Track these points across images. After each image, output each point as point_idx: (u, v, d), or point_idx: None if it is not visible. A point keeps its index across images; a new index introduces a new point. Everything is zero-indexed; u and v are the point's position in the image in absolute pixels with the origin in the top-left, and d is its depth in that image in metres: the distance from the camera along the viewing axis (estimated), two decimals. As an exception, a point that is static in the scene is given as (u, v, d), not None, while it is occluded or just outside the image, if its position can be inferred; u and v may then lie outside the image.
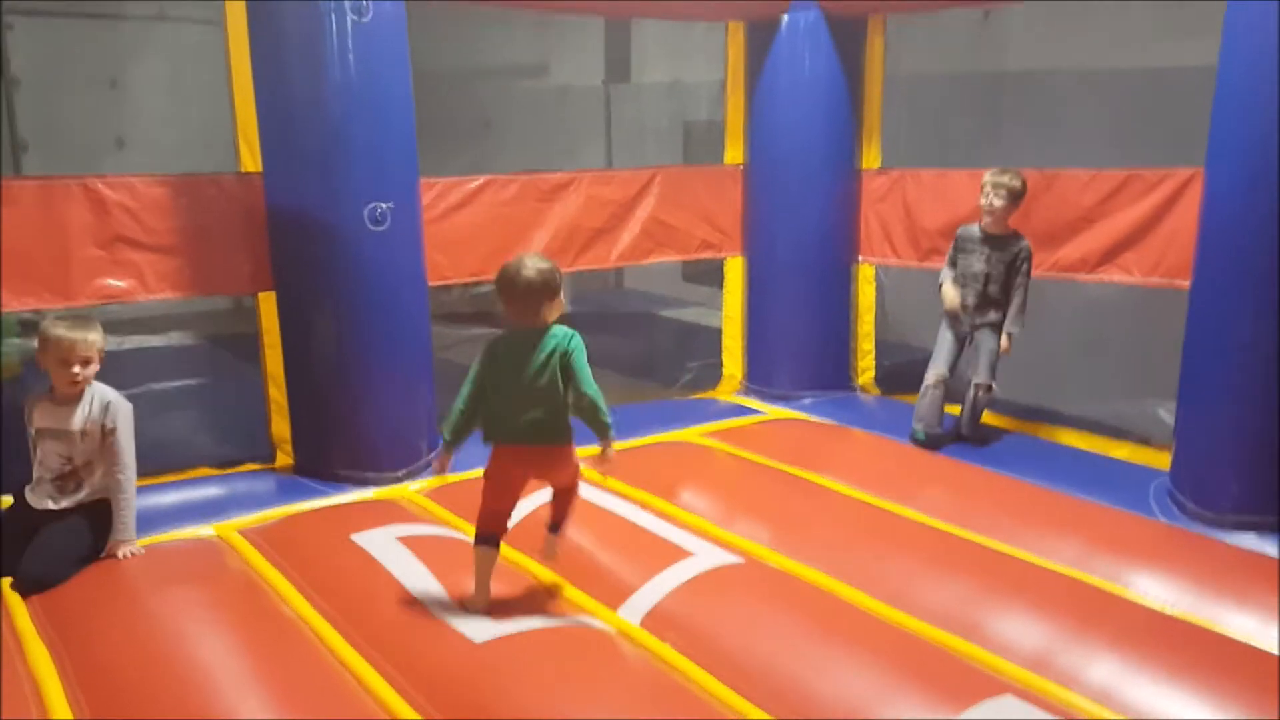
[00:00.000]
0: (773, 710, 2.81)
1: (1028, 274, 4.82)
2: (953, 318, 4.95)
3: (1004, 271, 4.82)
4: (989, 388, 4.91)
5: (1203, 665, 2.89)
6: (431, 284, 4.76)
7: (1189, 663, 2.90)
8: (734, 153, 5.83)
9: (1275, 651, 2.99)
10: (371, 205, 4.28)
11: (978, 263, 4.85)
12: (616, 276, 9.01)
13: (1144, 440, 4.89)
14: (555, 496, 3.45)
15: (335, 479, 4.51)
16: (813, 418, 5.49)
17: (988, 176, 4.77)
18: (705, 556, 3.59)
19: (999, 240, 4.81)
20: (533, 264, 3.23)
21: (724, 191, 5.82)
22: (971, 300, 4.89)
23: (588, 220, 5.40)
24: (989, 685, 2.79)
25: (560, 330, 3.24)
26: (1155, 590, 3.41)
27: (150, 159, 5.65)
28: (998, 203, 4.72)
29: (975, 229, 4.87)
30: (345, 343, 4.44)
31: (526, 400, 3.19)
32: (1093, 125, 5.40)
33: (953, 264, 4.96)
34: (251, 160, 4.38)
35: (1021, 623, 3.17)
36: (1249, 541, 3.79)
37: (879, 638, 3.11)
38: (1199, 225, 4.05)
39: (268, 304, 4.52)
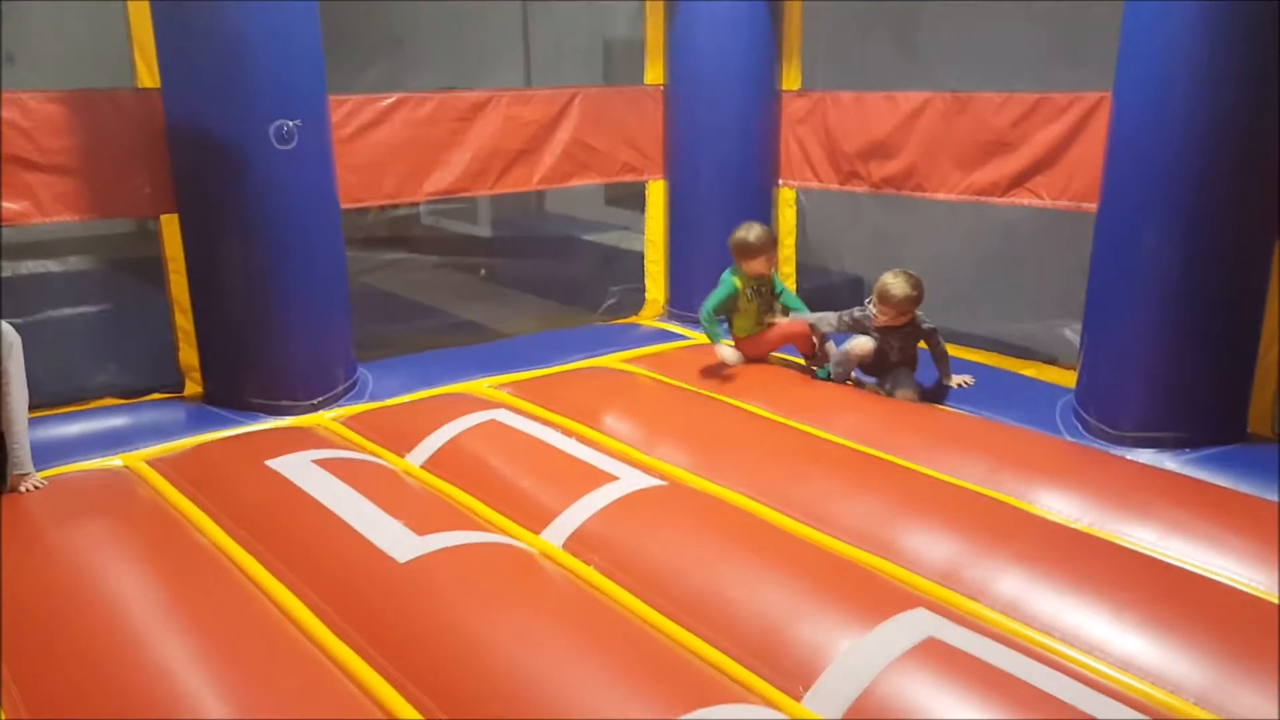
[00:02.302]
0: (694, 627, 2.86)
1: (939, 342, 4.63)
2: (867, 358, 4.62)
3: (902, 348, 4.66)
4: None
5: (1106, 576, 3.00)
6: (345, 206, 4.61)
7: (1093, 574, 3.01)
8: (654, 73, 5.73)
9: (1175, 562, 3.14)
10: (278, 123, 4.11)
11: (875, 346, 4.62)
12: (538, 200, 8.87)
13: (1051, 359, 5.04)
14: None
15: (247, 408, 4.41)
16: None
17: (884, 283, 4.47)
18: (628, 480, 3.61)
19: (897, 328, 4.60)
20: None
21: (645, 113, 5.74)
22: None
23: (507, 142, 5.27)
24: (902, 599, 2.88)
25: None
26: (1060, 505, 3.53)
27: (41, 75, 5.32)
28: (884, 317, 4.52)
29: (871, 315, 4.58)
30: (254, 267, 4.29)
31: None
32: (1009, 48, 5.41)
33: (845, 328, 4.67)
34: (148, 75, 4.15)
35: (933, 539, 3.26)
36: (1149, 457, 3.95)
37: (797, 556, 3.18)
38: (1106, 149, 4.12)
39: (170, 227, 4.33)
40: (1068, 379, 4.58)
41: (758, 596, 2.92)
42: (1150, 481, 3.70)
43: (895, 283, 4.49)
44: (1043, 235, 5.23)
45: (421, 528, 3.18)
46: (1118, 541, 3.28)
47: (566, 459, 3.80)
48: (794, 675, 2.63)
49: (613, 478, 3.62)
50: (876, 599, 2.88)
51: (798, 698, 2.57)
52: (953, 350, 5.27)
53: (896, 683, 2.51)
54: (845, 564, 3.17)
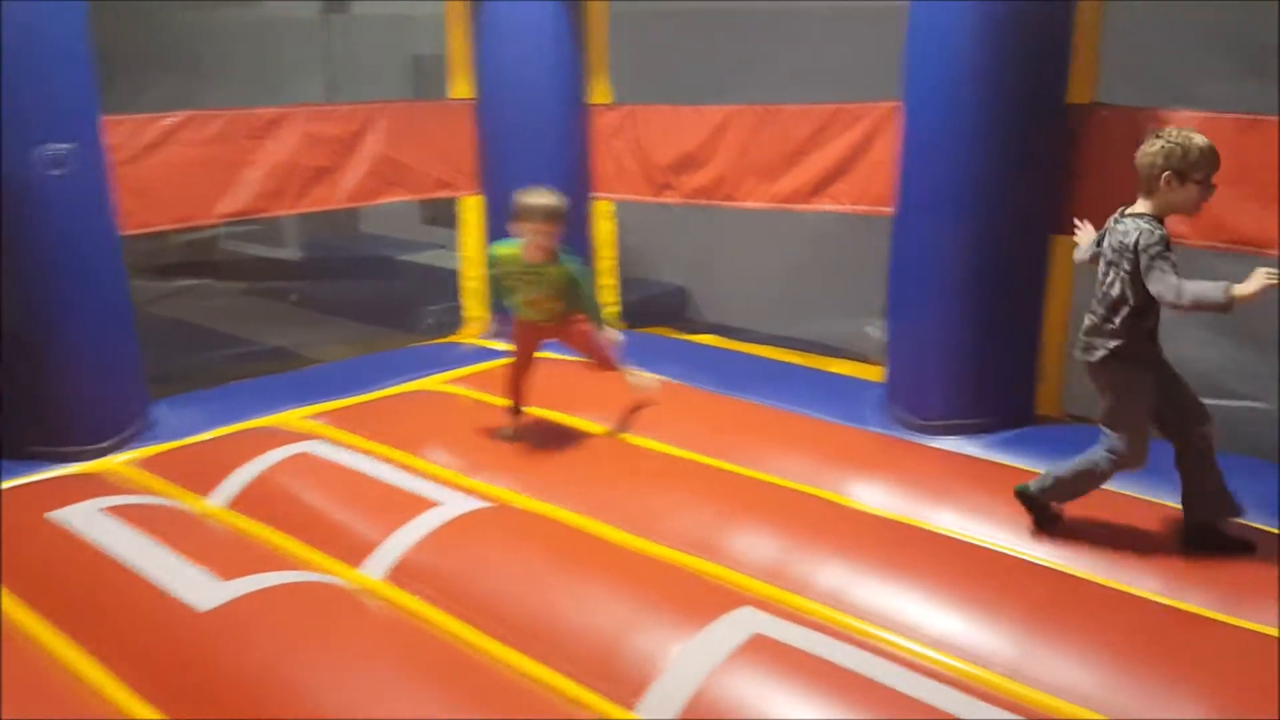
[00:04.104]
0: (526, 649, 2.81)
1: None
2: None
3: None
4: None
5: (918, 561, 3.14)
6: (127, 232, 4.30)
7: (906, 560, 3.15)
8: (461, 87, 5.64)
9: (978, 542, 3.31)
10: (45, 146, 3.78)
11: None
12: (351, 220, 8.60)
13: (861, 356, 5.24)
14: None
15: (28, 456, 4.01)
16: (559, 356, 5.47)
17: (1194, 140, 3.00)
18: (452, 505, 3.51)
19: None
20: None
21: (456, 128, 5.63)
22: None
23: (306, 158, 5.06)
24: (730, 600, 2.90)
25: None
26: (874, 496, 3.67)
27: None
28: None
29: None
30: (26, 303, 3.93)
31: None
32: (813, 60, 5.60)
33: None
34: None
35: (757, 538, 3.32)
36: (953, 444, 4.14)
37: (626, 567, 3.17)
38: (900, 155, 4.30)
39: (-74, 262, 3.92)
40: (877, 374, 4.76)
41: (588, 612, 2.89)
42: (954, 467, 3.90)
43: (1199, 135, 3.02)
44: (849, 238, 5.43)
45: (226, 572, 2.97)
46: (927, 527, 3.43)
47: (385, 488, 3.66)
48: (627, 686, 2.61)
49: (435, 504, 3.51)
50: (704, 602, 2.90)
51: (631, 708, 2.54)
52: (770, 352, 5.42)
53: (726, 682, 2.52)
54: (674, 571, 3.18)
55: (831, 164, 4.93)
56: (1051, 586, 3.02)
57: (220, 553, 3.16)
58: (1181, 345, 4.45)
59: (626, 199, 5.78)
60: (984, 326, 4.18)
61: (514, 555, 3.22)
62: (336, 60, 8.01)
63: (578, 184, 5.74)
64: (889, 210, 4.46)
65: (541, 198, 3.91)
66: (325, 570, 3.19)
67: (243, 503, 3.65)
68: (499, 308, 4.31)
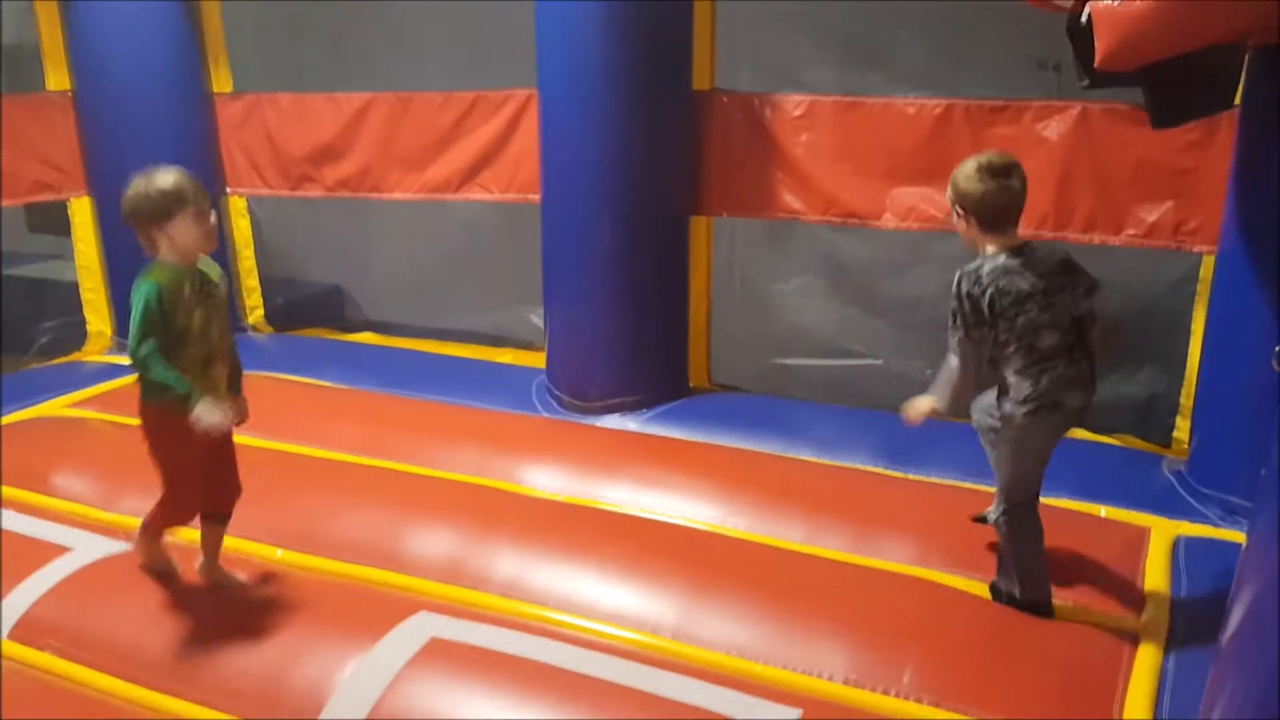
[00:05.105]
0: (180, 692, 2.62)
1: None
2: None
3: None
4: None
5: (590, 541, 3.22)
6: None
7: (579, 541, 3.22)
8: (57, 78, 5.02)
9: (645, 514, 3.46)
10: None
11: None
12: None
13: (526, 345, 5.29)
14: None
15: None
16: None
17: None
18: (85, 549, 3.18)
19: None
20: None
21: (52, 123, 5.01)
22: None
23: None
24: (405, 607, 2.84)
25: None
26: (545, 480, 3.73)
27: None
28: None
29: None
30: None
31: None
32: (450, 49, 5.51)
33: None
34: None
35: (433, 539, 3.26)
36: (615, 422, 4.30)
37: (294, 588, 3.01)
38: (540, 142, 4.37)
39: None
40: (540, 360, 4.82)
41: (250, 643, 2.73)
42: (618, 444, 4.05)
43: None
44: (503, 227, 5.45)
45: None
46: (598, 505, 3.54)
47: (5, 538, 3.22)
48: (300, 711, 2.50)
49: (65, 549, 3.17)
50: (379, 613, 2.82)
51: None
52: (433, 346, 5.33)
53: (404, 693, 2.49)
54: (345, 585, 3.07)
55: (477, 152, 4.91)
56: (713, 549, 3.22)
57: None
58: (805, 313, 4.98)
59: (261, 194, 5.43)
60: (634, 307, 4.36)
61: (157, 597, 2.95)
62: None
63: (205, 180, 5.31)
64: (537, 198, 4.53)
65: (175, 174, 2.83)
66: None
67: None
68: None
